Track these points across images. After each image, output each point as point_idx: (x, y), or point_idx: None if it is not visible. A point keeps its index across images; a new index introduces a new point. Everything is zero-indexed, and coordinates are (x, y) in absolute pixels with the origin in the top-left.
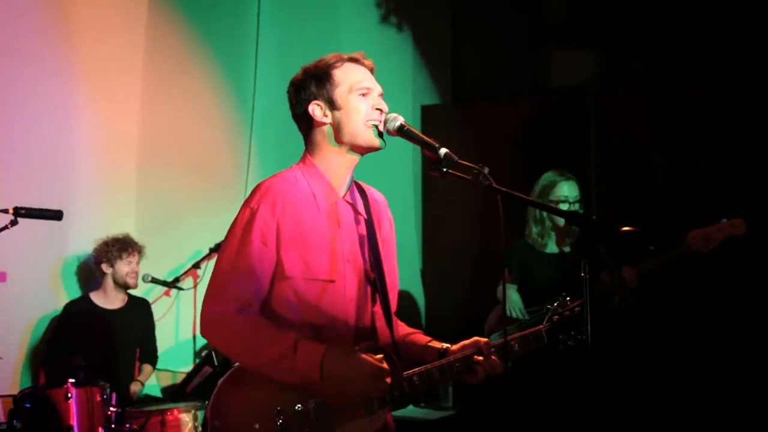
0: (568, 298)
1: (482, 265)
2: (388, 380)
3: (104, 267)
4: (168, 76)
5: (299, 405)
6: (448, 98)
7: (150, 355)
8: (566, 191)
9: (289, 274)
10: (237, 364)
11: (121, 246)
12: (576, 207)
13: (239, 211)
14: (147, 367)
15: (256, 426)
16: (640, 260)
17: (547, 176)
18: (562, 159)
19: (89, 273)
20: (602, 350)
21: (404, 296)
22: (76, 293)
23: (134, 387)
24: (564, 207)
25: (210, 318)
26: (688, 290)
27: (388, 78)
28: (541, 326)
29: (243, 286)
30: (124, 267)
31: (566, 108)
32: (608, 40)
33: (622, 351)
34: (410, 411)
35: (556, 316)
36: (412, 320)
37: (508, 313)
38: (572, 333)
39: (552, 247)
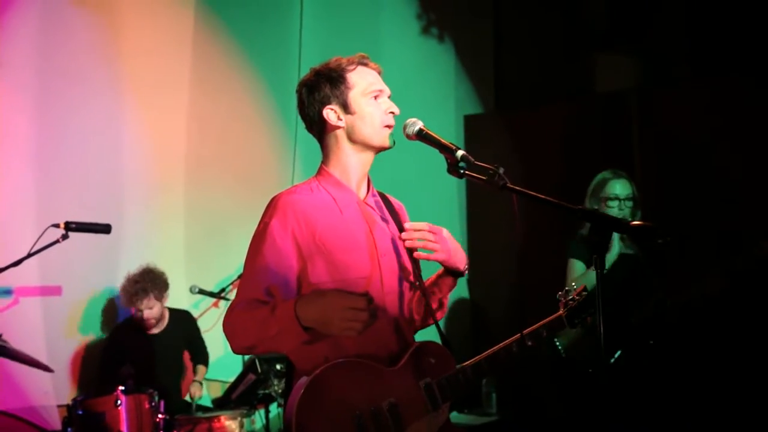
0: (573, 285)
1: (526, 268)
2: (362, 305)
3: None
4: (214, 90)
5: (374, 406)
6: (491, 107)
7: (201, 356)
8: (617, 189)
9: (315, 281)
10: (313, 372)
11: (130, 300)
12: (628, 205)
13: (257, 226)
14: (201, 368)
15: (337, 429)
16: (726, 262)
17: (601, 175)
18: (607, 164)
19: None
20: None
21: (450, 299)
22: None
23: (194, 389)
24: (614, 204)
25: (224, 324)
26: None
27: (431, 88)
28: (559, 312)
29: (252, 289)
30: (143, 313)
31: (610, 112)
32: (650, 43)
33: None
34: (453, 417)
35: (571, 302)
36: (459, 322)
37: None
38: (583, 317)
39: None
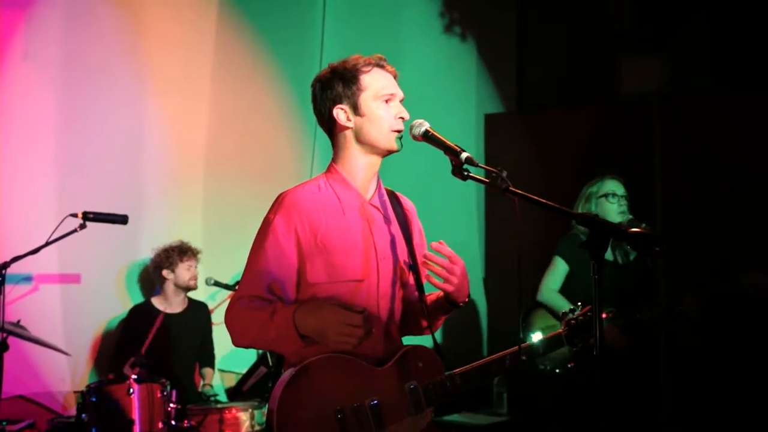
0: (579, 303)
1: (543, 273)
2: (358, 322)
3: (165, 273)
4: (236, 85)
5: (357, 403)
6: (512, 106)
7: (209, 359)
8: (612, 186)
9: (313, 281)
10: (299, 364)
11: (180, 251)
12: (624, 203)
13: (262, 221)
14: (209, 371)
15: (318, 422)
16: (702, 287)
17: (595, 179)
18: (628, 167)
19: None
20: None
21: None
22: (145, 295)
23: (206, 389)
24: (613, 201)
25: (226, 319)
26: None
27: (452, 87)
28: (560, 330)
29: (254, 285)
30: (185, 272)
31: (632, 115)
32: (675, 46)
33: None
34: (464, 416)
35: (573, 321)
36: (473, 326)
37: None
38: (584, 337)
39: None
